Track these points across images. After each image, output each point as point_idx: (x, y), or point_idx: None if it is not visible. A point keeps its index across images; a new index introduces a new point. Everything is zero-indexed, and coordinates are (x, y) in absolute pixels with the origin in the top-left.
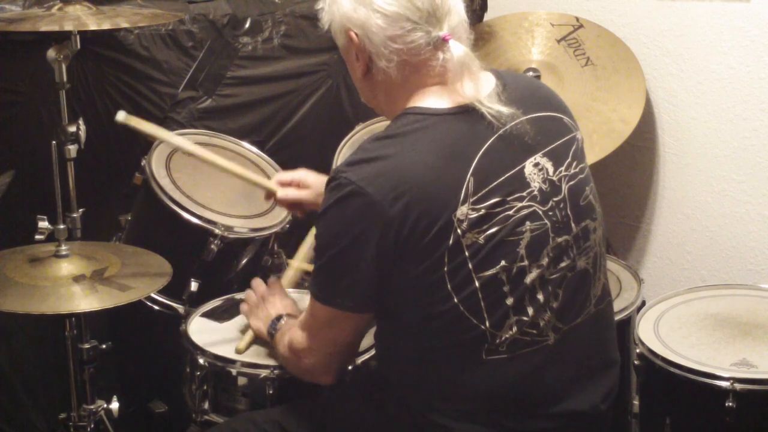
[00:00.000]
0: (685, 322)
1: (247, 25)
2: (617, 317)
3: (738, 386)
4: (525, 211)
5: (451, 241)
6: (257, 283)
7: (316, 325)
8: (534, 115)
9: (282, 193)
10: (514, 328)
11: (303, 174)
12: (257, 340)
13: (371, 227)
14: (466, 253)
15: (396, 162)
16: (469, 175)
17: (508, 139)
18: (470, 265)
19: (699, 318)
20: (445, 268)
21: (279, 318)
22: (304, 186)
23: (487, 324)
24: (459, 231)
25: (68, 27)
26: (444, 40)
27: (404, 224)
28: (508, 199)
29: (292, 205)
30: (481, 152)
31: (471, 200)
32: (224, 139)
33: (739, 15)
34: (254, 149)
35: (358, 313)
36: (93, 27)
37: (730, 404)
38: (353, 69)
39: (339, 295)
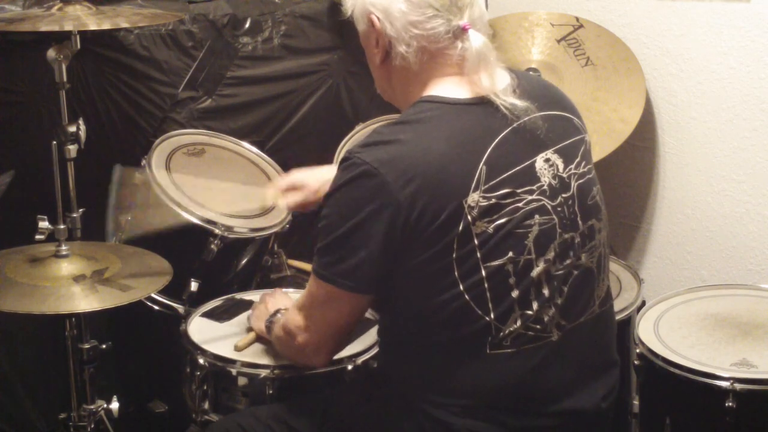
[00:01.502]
0: (685, 322)
1: (247, 25)
2: (617, 317)
3: (738, 386)
4: (534, 205)
5: (460, 228)
6: (265, 293)
7: (314, 304)
8: (546, 112)
9: (285, 202)
10: (519, 322)
11: (297, 176)
12: (259, 341)
13: (381, 208)
14: (476, 242)
15: (410, 147)
16: (481, 164)
17: (521, 133)
18: (479, 254)
19: (699, 318)
20: (453, 255)
21: (277, 312)
22: (301, 187)
23: (492, 316)
24: (469, 218)
25: (68, 27)
26: (463, 30)
27: (414, 208)
28: (518, 191)
29: (299, 207)
30: (494, 143)
31: (483, 188)
32: (224, 139)
33: (739, 15)
34: (254, 149)
35: (359, 294)
36: (93, 27)
37: (730, 404)
38: (372, 55)
39: (342, 275)
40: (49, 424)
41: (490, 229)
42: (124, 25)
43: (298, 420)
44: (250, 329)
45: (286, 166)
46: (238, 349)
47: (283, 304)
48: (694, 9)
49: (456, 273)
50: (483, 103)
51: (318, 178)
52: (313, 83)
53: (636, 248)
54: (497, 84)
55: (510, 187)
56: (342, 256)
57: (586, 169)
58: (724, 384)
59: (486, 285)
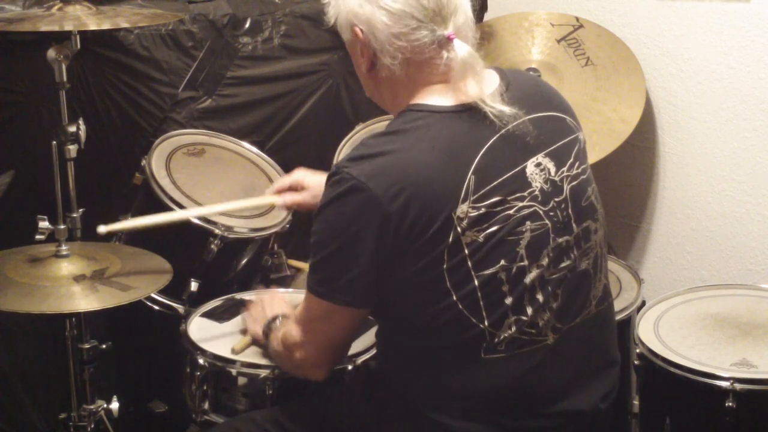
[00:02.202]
0: (685, 322)
1: (247, 25)
2: (617, 317)
3: (738, 386)
4: (525, 211)
5: (450, 239)
6: (263, 295)
7: (311, 319)
8: (536, 115)
9: (281, 201)
10: (513, 328)
11: (301, 175)
12: (255, 344)
13: (371, 223)
14: (466, 252)
15: (397, 158)
16: (470, 174)
17: (510, 139)
18: (469, 264)
19: (699, 318)
20: (444, 266)
21: (275, 318)
22: (302, 188)
23: (486, 323)
24: (459, 229)
25: (68, 27)
26: (449, 39)
27: (403, 220)
28: (509, 198)
29: (295, 208)
30: (482, 151)
31: (472, 198)
32: (224, 139)
33: (739, 15)
34: (254, 149)
35: (355, 308)
36: (93, 27)
37: (730, 404)
38: (358, 64)
39: (337, 290)
40: (49, 424)
41: (481, 238)
42: (124, 25)
43: (296, 423)
44: (245, 331)
45: (286, 166)
46: (235, 352)
47: (280, 309)
48: (694, 9)
49: (448, 283)
50: (470, 110)
51: (321, 181)
52: (313, 83)
53: (636, 248)
54: (485, 90)
55: (500, 195)
56: (335, 271)
57: (579, 170)
58: (724, 384)
59: (479, 294)
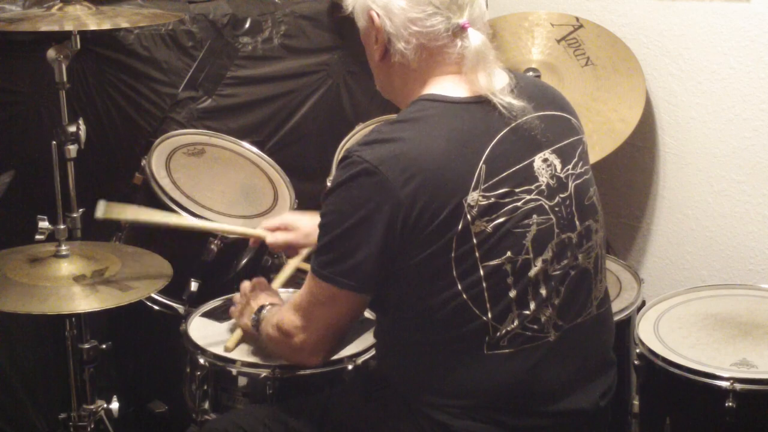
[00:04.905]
0: (685, 322)
1: (247, 25)
2: (617, 317)
3: (738, 386)
4: (532, 204)
5: (460, 227)
6: (244, 284)
7: (313, 304)
8: (544, 113)
9: (271, 238)
10: (516, 322)
11: (289, 217)
12: (246, 338)
13: (381, 206)
14: (474, 241)
15: (409, 145)
16: (481, 162)
17: (519, 133)
18: (477, 254)
19: (699, 318)
20: (452, 254)
21: (261, 308)
22: (292, 228)
23: (489, 315)
24: (468, 217)
25: (68, 27)
26: (463, 28)
27: (414, 206)
28: (517, 190)
29: (284, 248)
30: (494, 142)
31: (482, 187)
32: (224, 139)
33: (739, 15)
34: (254, 149)
35: (358, 293)
36: (93, 27)
37: (730, 404)
38: (371, 53)
39: (341, 274)
40: (49, 424)
41: (489, 228)
42: (124, 25)
43: (297, 420)
44: (234, 327)
45: (286, 166)
46: (228, 349)
47: (266, 299)
48: (694, 9)
49: (454, 272)
50: (481, 102)
51: (311, 222)
52: (313, 83)
53: (636, 248)
54: (495, 83)
55: (509, 187)
56: (342, 255)
57: (583, 170)
58: (724, 384)
59: (484, 284)
